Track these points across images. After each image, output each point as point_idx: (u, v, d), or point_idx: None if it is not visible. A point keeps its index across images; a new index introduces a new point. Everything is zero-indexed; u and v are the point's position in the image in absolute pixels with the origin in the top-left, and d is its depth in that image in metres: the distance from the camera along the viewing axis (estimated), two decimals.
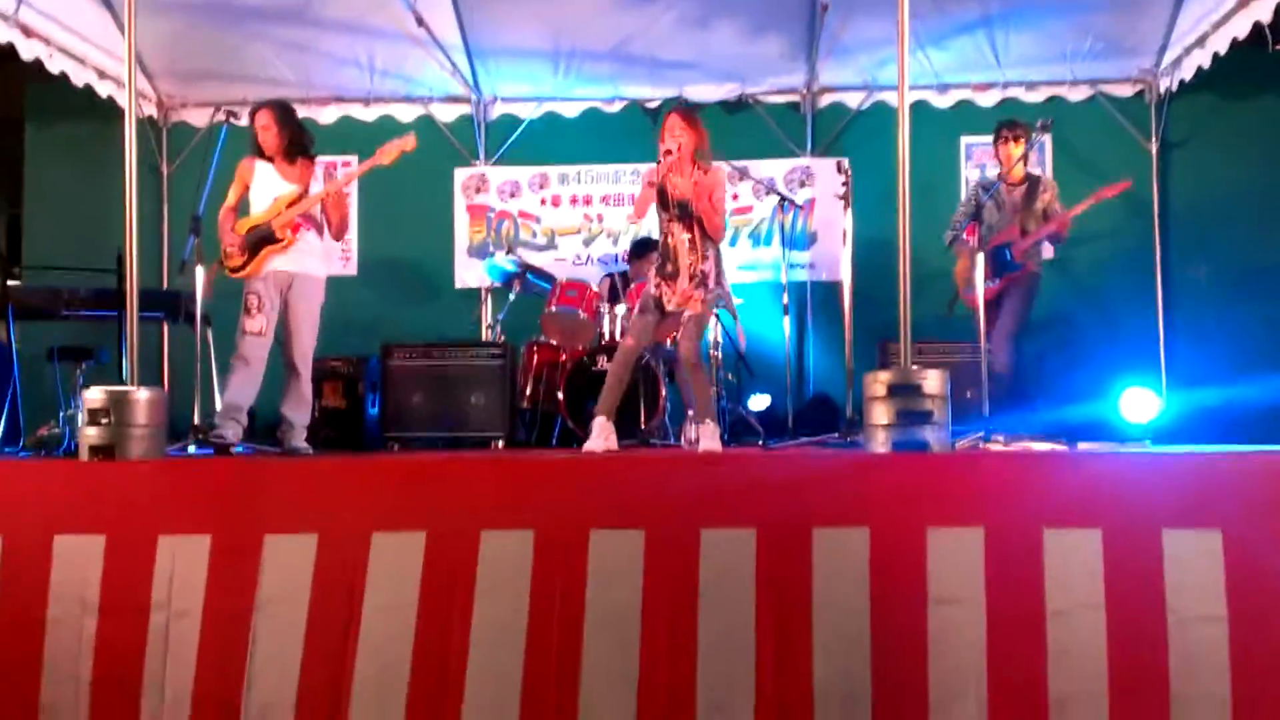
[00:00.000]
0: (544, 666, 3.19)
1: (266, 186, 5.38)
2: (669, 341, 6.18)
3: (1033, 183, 6.10)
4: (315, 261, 5.47)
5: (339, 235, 5.61)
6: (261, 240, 5.31)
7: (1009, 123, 6.13)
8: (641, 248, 6.98)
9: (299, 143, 5.46)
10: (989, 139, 6.36)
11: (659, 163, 4.94)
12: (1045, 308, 6.20)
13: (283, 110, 5.47)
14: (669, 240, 5.06)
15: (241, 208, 5.43)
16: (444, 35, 7.32)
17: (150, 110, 8.01)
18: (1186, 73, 7.10)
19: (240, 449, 5.17)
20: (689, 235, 4.99)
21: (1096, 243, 6.66)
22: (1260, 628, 3.07)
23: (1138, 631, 3.10)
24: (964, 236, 5.98)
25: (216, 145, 5.33)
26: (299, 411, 5.41)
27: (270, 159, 5.40)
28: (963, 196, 6.13)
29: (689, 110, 5.11)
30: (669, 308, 5.09)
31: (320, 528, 3.36)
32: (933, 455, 3.58)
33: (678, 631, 3.19)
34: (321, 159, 5.80)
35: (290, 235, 5.32)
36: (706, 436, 4.95)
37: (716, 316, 6.73)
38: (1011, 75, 7.67)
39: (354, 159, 7.18)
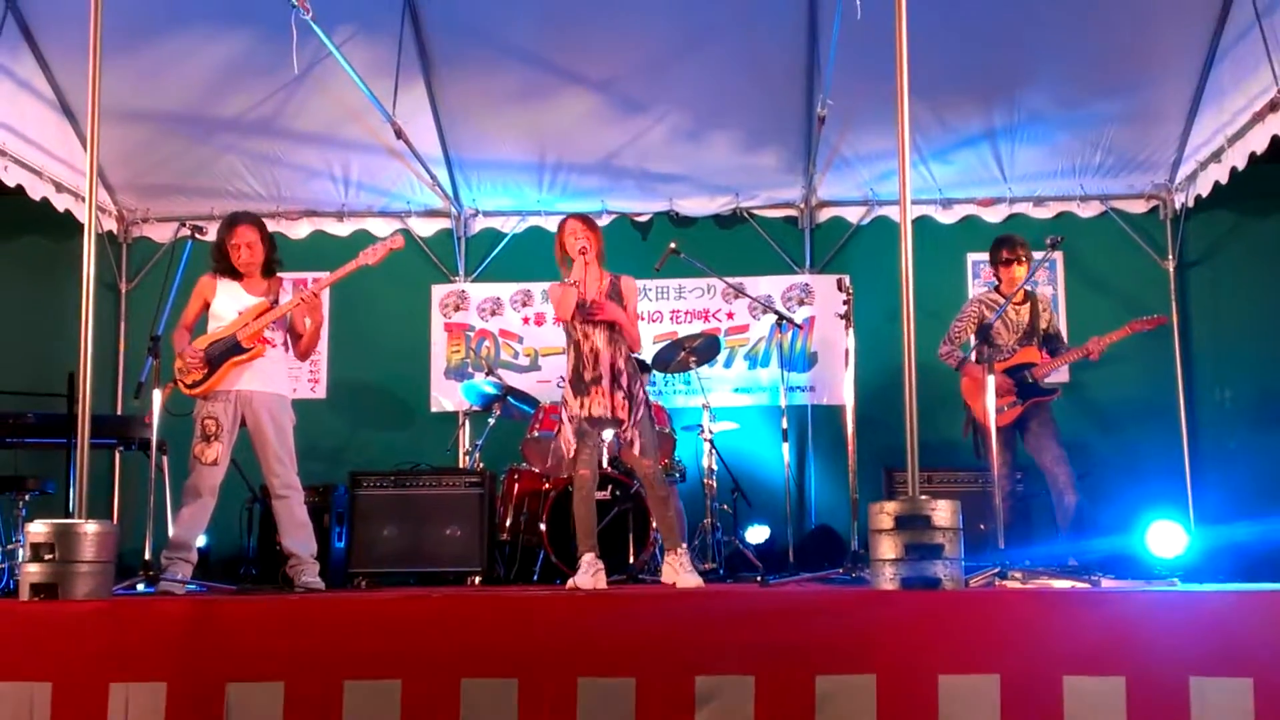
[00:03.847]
0: None
1: (229, 304, 5.40)
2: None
3: (1033, 301, 6.26)
4: (282, 379, 5.49)
5: (307, 352, 5.60)
6: (225, 352, 5.30)
7: (1007, 242, 6.18)
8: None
9: (274, 259, 5.54)
10: None
11: (574, 263, 5.12)
12: (1063, 435, 6.28)
13: (263, 226, 5.55)
14: (582, 347, 5.17)
15: (197, 328, 5.44)
16: (424, 148, 7.58)
17: (110, 225, 8.22)
18: (1203, 188, 7.33)
19: (192, 587, 5.14)
20: (605, 334, 5.14)
21: (1114, 366, 6.78)
22: None
23: None
24: (971, 356, 6.12)
25: (179, 262, 5.39)
26: (299, 540, 5.37)
27: (238, 277, 5.43)
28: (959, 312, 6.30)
29: (586, 216, 5.39)
30: (606, 416, 5.10)
31: (287, 675, 3.36)
32: (944, 593, 3.60)
33: None
34: (292, 275, 5.88)
35: (258, 346, 5.32)
36: (682, 570, 5.04)
37: (711, 443, 6.83)
38: (1019, 190, 7.97)
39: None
